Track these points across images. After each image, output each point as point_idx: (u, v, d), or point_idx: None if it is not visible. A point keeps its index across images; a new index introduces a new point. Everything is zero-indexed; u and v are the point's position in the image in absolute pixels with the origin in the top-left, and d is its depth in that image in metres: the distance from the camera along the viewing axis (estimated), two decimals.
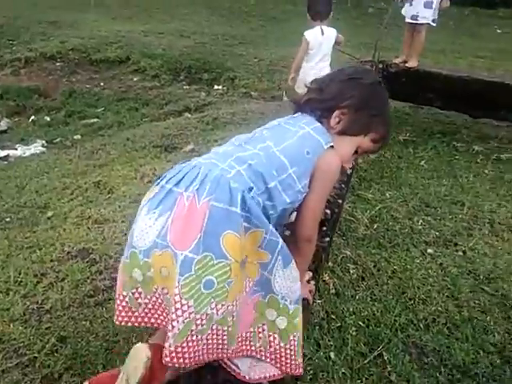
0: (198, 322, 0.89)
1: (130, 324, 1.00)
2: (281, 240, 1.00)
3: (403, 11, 3.74)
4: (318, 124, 1.17)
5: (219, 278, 0.89)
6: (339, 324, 1.68)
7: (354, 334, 1.65)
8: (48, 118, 5.21)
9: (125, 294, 0.97)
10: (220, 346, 0.98)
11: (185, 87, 5.67)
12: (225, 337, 0.96)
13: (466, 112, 3.69)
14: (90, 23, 8.11)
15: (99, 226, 2.06)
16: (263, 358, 1.08)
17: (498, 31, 10.29)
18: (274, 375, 1.11)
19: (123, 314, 0.98)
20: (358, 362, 1.54)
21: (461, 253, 2.26)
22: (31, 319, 1.57)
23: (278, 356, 1.08)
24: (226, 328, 0.95)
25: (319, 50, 3.26)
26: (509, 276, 2.09)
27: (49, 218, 2.43)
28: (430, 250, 2.25)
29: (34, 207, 2.60)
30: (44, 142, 4.59)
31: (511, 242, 2.35)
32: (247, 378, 1.09)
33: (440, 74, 3.55)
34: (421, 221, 2.48)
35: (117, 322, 1.00)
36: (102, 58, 6.35)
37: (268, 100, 4.92)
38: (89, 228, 2.06)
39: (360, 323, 1.70)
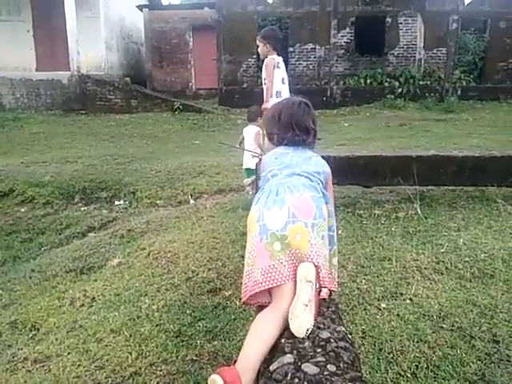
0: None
1: (278, 284, 1.31)
2: None
3: None
4: None
5: (325, 232, 1.47)
6: None
7: None
8: None
9: (273, 262, 1.31)
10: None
11: (82, 208, 5.41)
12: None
13: (359, 184, 4.21)
14: None
15: (42, 365, 1.72)
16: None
17: (345, 124, 12.32)
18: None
19: (275, 276, 1.30)
20: None
21: (408, 301, 2.42)
22: None
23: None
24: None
25: (246, 137, 4.81)
26: (456, 310, 2.29)
27: None
28: (383, 305, 2.37)
29: None
30: None
31: (442, 281, 2.62)
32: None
33: (329, 156, 4.06)
34: (364, 280, 2.63)
35: (267, 287, 1.30)
36: None
37: (175, 206, 4.94)
38: (29, 371, 1.71)
39: None
